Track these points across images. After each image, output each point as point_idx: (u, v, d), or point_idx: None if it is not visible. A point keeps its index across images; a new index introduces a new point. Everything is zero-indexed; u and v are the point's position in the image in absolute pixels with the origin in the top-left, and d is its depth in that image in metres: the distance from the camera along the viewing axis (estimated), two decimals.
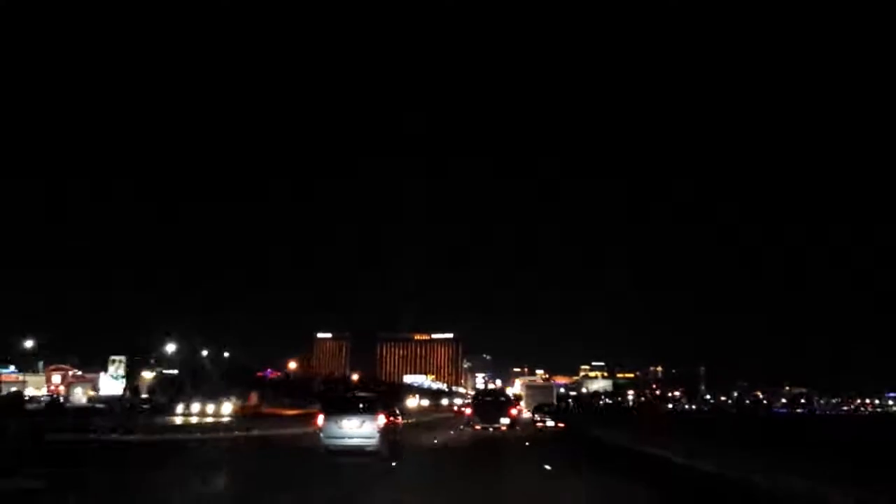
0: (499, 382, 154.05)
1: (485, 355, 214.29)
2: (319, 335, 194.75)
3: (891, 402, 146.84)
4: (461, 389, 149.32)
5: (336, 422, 18.99)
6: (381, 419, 19.27)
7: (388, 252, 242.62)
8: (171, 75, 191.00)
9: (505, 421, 36.81)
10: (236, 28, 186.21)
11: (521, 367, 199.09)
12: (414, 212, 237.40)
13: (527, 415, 72.11)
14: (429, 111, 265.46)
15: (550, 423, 48.48)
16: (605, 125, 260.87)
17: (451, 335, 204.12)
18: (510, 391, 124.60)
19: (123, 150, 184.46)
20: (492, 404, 39.00)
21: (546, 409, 58.73)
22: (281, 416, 42.75)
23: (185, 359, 60.99)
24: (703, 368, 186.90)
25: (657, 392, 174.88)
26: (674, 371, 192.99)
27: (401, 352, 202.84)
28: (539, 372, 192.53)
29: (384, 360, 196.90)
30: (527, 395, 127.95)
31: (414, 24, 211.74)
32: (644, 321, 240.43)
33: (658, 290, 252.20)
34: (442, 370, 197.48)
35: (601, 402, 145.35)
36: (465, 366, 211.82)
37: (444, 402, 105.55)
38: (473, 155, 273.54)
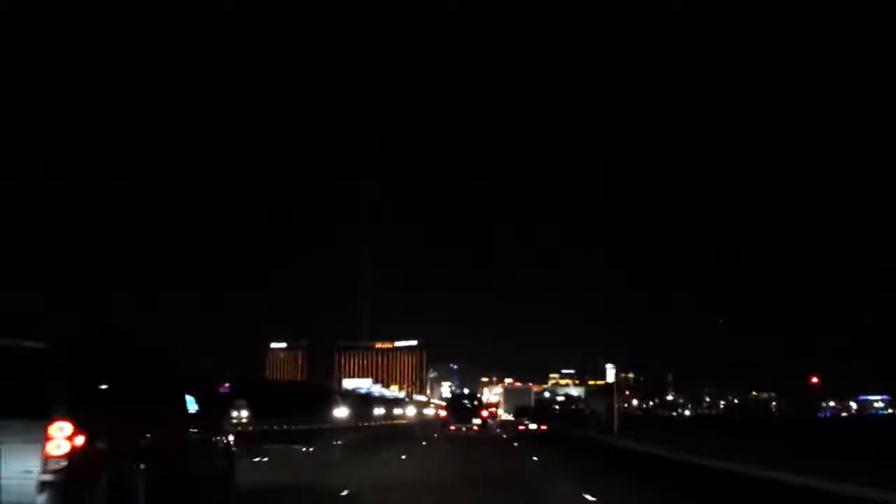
0: (466, 391, 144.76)
1: (451, 364, 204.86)
2: (273, 345, 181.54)
3: (879, 405, 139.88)
4: (422, 398, 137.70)
5: None
6: (58, 434, 5.87)
7: (345, 256, 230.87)
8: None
9: (477, 421, 39.42)
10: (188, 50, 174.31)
11: (489, 377, 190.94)
12: (375, 216, 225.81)
13: (505, 418, 77.09)
14: (387, 114, 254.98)
15: (533, 427, 48.06)
16: (574, 121, 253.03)
17: (414, 342, 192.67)
18: (484, 397, 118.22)
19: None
20: (465, 407, 41.85)
21: (528, 411, 58.18)
22: None
23: None
24: (670, 375, 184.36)
25: (664, 399, 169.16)
26: (642, 378, 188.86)
27: (361, 361, 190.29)
28: (508, 380, 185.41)
29: (343, 369, 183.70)
30: (505, 400, 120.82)
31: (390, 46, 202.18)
32: (609, 328, 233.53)
33: (621, 297, 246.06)
34: (406, 379, 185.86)
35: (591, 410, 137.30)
36: (432, 375, 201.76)
37: (400, 411, 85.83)
38: (435, 155, 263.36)
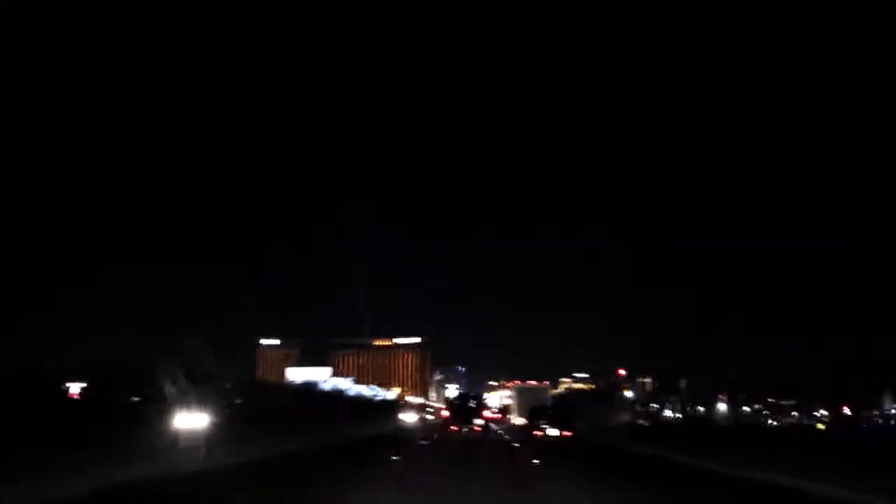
0: (469, 393, 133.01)
1: (458, 367, 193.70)
2: (264, 342, 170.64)
3: None
4: (418, 400, 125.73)
5: None
6: None
7: (346, 252, 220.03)
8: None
9: (479, 422, 40.84)
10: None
11: (498, 381, 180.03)
12: (377, 210, 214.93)
13: (518, 422, 70.07)
14: (387, 110, 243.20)
15: (554, 432, 40.69)
16: (585, 128, 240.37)
17: (417, 340, 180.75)
18: (491, 401, 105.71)
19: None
20: (466, 407, 42.69)
21: (545, 412, 50.15)
22: None
23: None
24: (684, 381, 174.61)
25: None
26: (656, 384, 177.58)
27: (358, 360, 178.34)
28: (516, 382, 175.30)
29: (340, 369, 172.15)
30: (518, 401, 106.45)
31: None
32: (621, 333, 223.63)
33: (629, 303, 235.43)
34: (407, 380, 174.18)
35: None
36: (437, 377, 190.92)
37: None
38: (432, 155, 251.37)
